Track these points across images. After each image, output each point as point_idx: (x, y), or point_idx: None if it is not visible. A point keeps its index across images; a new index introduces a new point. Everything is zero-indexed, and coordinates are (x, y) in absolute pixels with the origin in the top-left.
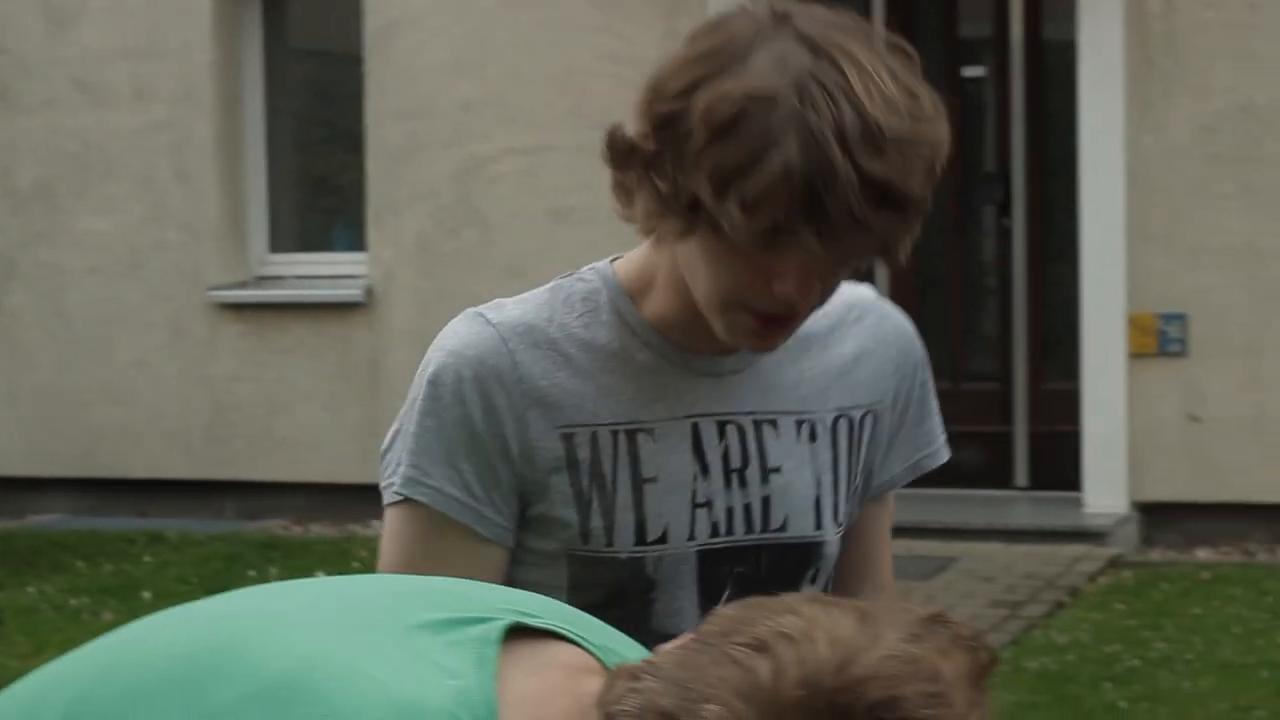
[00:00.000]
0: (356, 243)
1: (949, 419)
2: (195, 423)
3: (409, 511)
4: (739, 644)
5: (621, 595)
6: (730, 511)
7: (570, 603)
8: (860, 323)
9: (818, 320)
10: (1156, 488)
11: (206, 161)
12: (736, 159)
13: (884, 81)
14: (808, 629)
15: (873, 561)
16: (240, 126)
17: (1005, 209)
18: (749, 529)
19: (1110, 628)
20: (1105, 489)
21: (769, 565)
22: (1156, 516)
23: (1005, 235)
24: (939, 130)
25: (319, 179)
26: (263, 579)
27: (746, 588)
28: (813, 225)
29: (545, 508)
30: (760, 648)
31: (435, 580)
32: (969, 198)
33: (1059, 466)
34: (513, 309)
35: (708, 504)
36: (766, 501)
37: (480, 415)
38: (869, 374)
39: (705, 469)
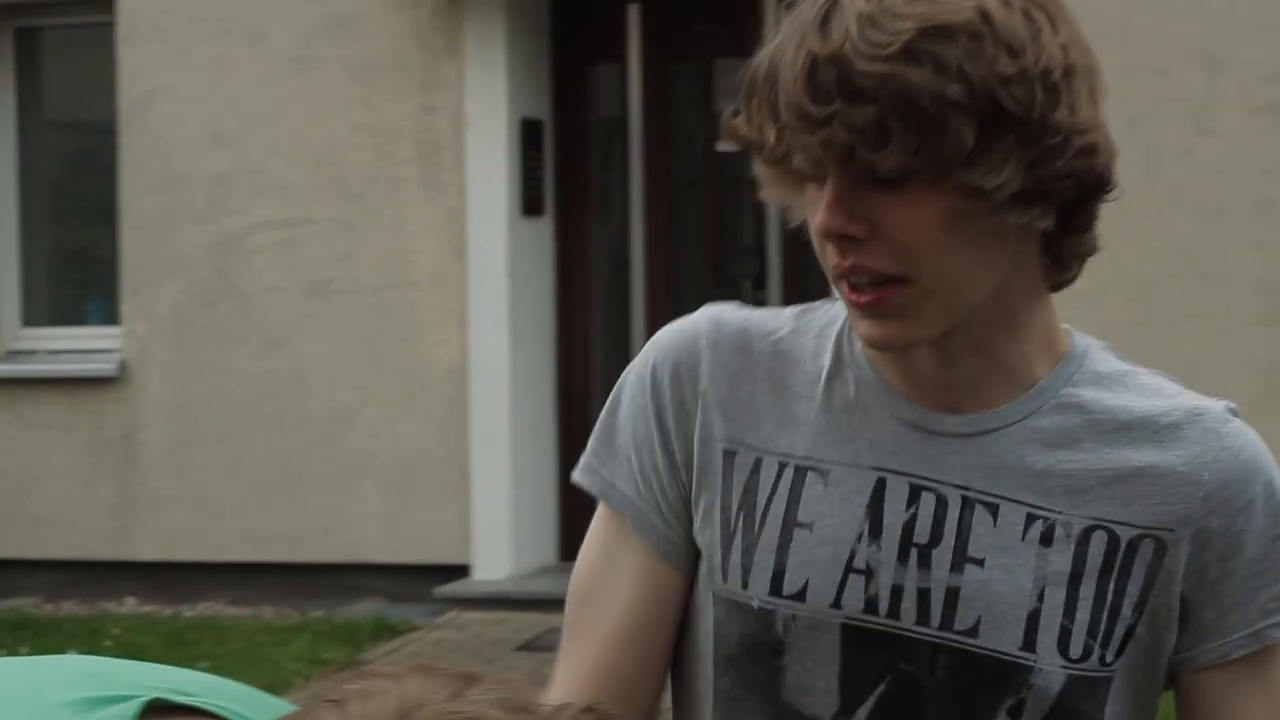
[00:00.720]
0: (111, 316)
1: None
2: None
3: (603, 511)
4: (323, 699)
5: (752, 652)
6: (899, 591)
7: (711, 652)
8: (1173, 432)
9: (1108, 413)
10: None
11: None
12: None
13: None
14: (391, 686)
15: None
16: None
17: (760, 281)
18: (922, 619)
19: None
20: None
21: (946, 673)
22: None
23: (761, 306)
24: (941, 7)
25: (73, 251)
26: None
27: (911, 690)
28: (774, 122)
29: (698, 530)
30: (335, 701)
31: (93, 660)
32: (725, 270)
33: None
34: (749, 313)
35: (868, 572)
36: (953, 595)
37: (666, 408)
38: (1159, 492)
39: (877, 531)
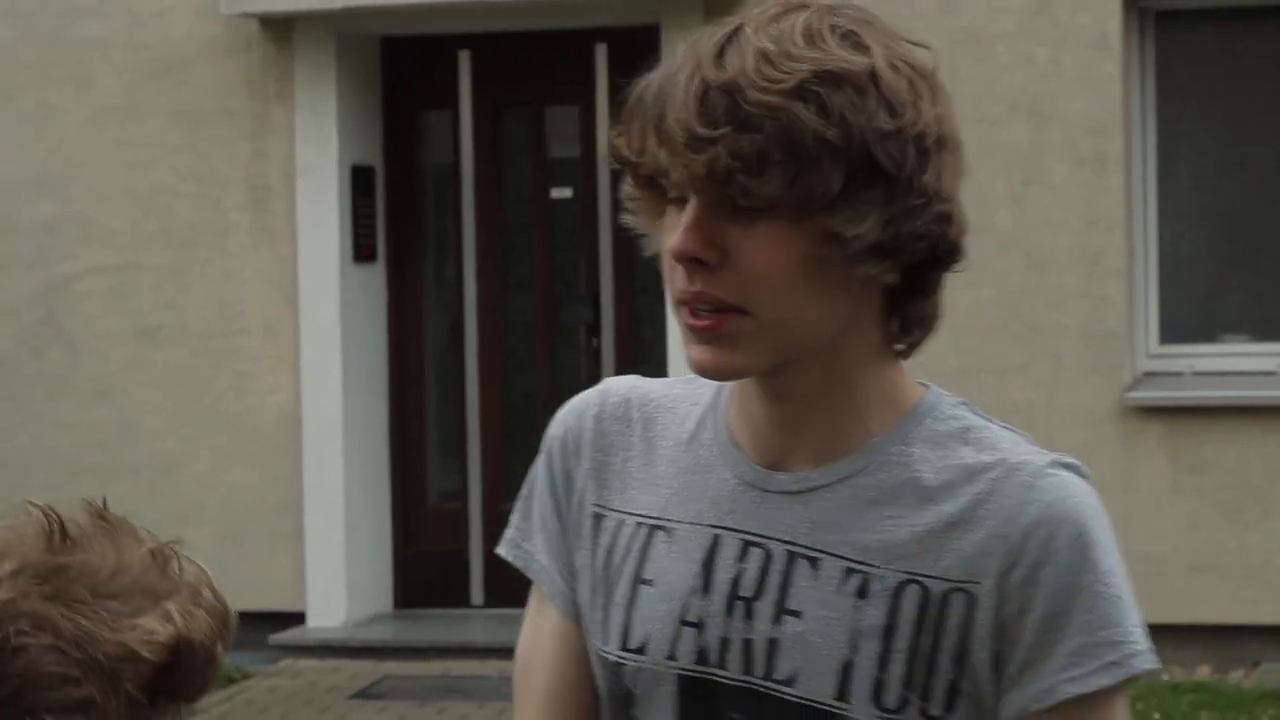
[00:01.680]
0: None
1: None
2: None
3: (534, 589)
4: None
5: (613, 704)
6: (725, 643)
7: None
8: (990, 485)
9: (933, 470)
10: None
11: None
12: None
13: (788, 27)
14: None
15: None
16: None
17: (595, 328)
18: (747, 669)
19: None
20: None
21: None
22: None
23: (596, 355)
24: (834, 57)
25: None
26: None
27: None
28: (659, 140)
29: (578, 591)
30: None
31: None
32: (560, 317)
33: None
34: (637, 382)
35: (699, 625)
36: (774, 645)
37: (557, 479)
38: (969, 546)
39: (708, 587)
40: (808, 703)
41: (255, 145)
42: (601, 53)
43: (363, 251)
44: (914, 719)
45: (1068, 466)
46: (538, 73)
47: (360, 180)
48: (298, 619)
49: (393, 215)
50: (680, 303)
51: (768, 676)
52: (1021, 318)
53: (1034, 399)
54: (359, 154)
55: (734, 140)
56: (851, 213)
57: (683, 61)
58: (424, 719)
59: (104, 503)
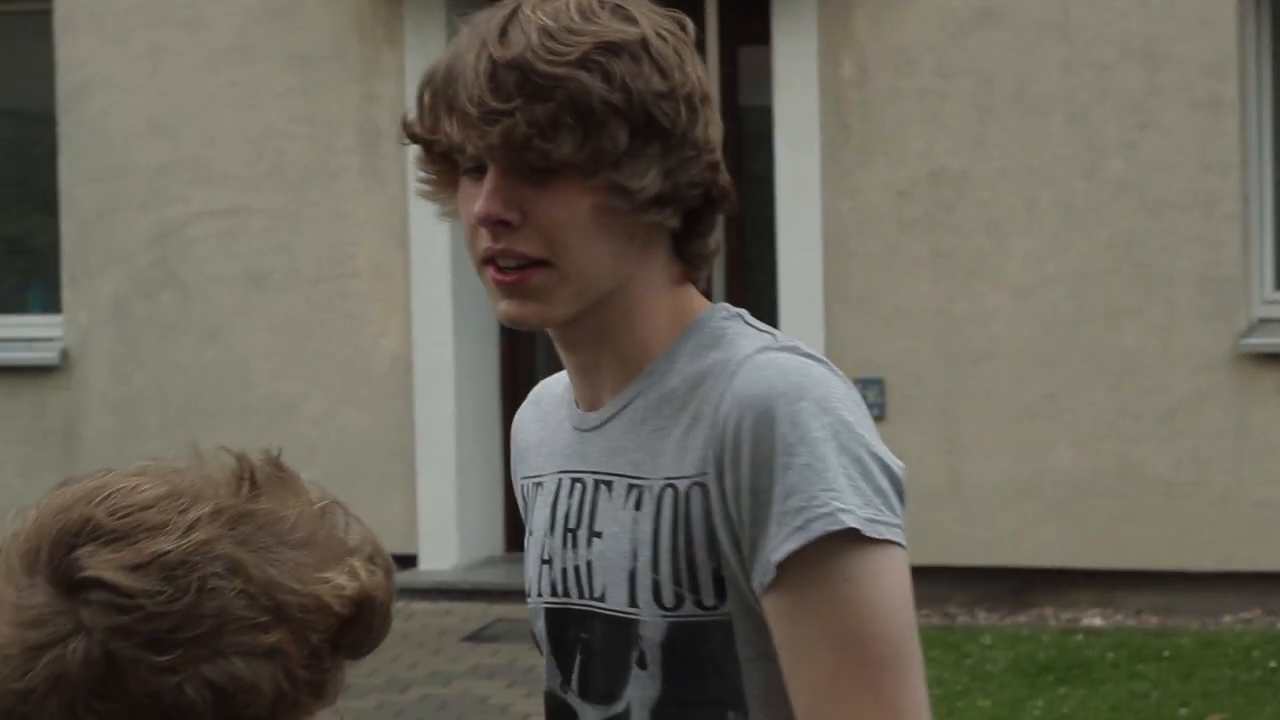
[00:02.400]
0: (51, 305)
1: None
2: None
3: None
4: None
5: (538, 646)
6: (565, 573)
7: None
8: (715, 380)
9: (683, 377)
10: None
11: None
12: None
13: (563, 4)
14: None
15: (775, 677)
16: None
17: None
18: (581, 593)
19: None
20: None
21: (602, 636)
22: None
23: (705, 297)
24: (610, 29)
25: (13, 240)
26: None
27: (591, 655)
28: (452, 117)
29: None
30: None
31: None
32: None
33: None
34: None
35: (548, 560)
36: (589, 567)
37: (513, 466)
38: (698, 441)
39: (553, 526)
40: (613, 613)
41: (365, 88)
42: None
43: None
44: (692, 612)
45: (780, 349)
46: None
47: None
48: (409, 561)
49: None
50: (485, 261)
51: (589, 597)
52: (1135, 262)
53: (1147, 344)
54: None
55: (528, 110)
56: (636, 167)
57: (467, 42)
58: (535, 662)
59: (279, 453)
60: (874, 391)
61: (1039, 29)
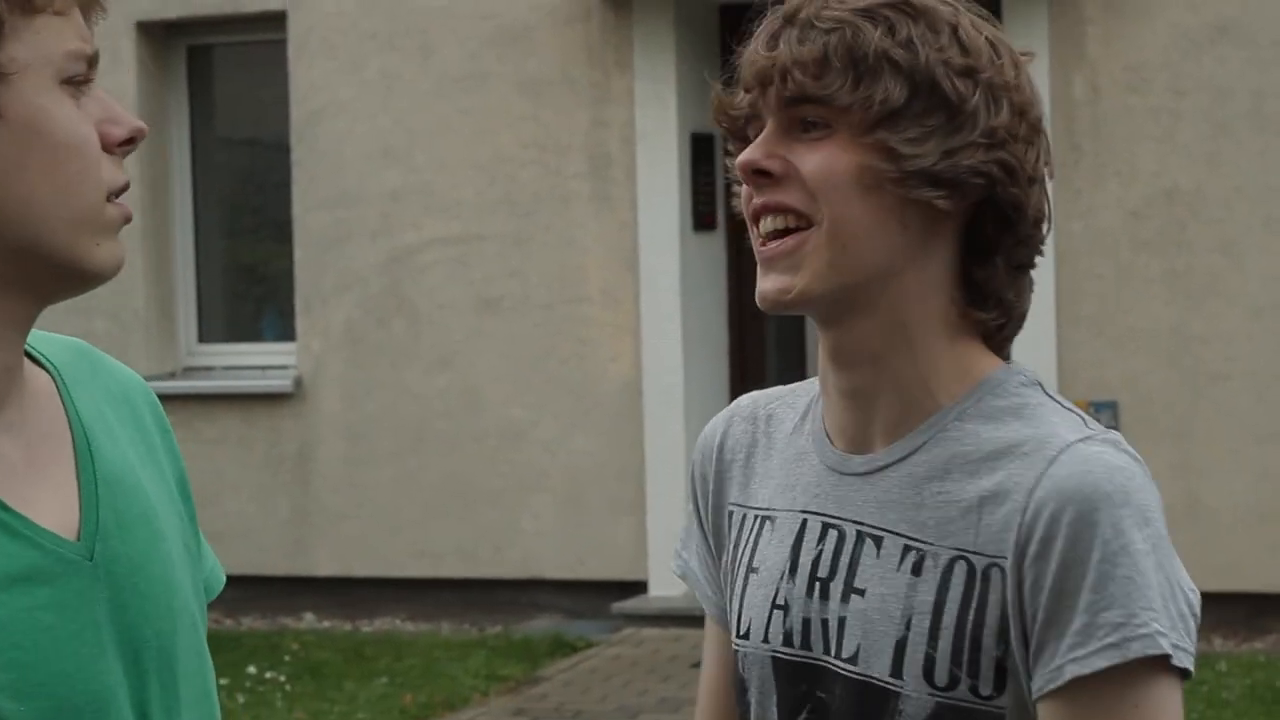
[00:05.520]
0: (285, 332)
1: None
2: None
3: None
4: None
5: (735, 691)
6: (807, 623)
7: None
8: (1020, 460)
9: (978, 444)
10: None
11: (134, 250)
12: None
13: None
14: None
15: None
16: (168, 215)
17: None
18: (825, 649)
19: None
20: None
21: (844, 699)
22: None
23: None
24: (925, 2)
25: (247, 267)
26: None
27: (824, 716)
28: (739, 84)
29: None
30: None
31: None
32: None
33: None
34: (769, 390)
35: (785, 607)
36: (842, 624)
37: (697, 487)
38: (999, 520)
39: (794, 570)
40: (869, 680)
41: (595, 113)
42: None
43: (703, 219)
44: (965, 697)
45: (1103, 441)
46: None
47: (700, 148)
48: (639, 588)
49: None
50: (752, 220)
51: (837, 655)
52: None
53: None
54: (698, 122)
55: (798, 48)
56: (913, 132)
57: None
58: None
59: None
60: (1107, 416)
61: (1275, 45)
